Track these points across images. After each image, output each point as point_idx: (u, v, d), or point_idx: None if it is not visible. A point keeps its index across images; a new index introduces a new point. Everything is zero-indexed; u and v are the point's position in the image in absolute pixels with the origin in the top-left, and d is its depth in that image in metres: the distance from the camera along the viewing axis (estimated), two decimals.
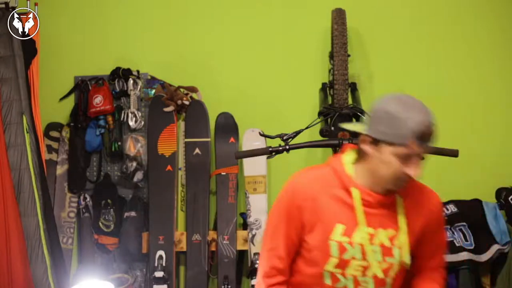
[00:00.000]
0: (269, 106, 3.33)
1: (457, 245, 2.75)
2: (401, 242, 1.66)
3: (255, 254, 3.03)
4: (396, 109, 1.58)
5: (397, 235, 1.66)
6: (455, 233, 2.80)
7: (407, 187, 1.64)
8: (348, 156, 1.70)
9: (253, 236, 3.08)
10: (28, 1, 2.99)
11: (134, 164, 3.26)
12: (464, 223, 2.83)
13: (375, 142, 1.59)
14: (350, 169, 1.67)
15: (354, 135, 2.60)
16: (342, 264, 1.66)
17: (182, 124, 3.29)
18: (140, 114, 3.34)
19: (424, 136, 1.54)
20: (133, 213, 3.24)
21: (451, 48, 3.30)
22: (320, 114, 2.78)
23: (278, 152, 2.25)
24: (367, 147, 1.61)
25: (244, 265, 3.21)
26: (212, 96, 3.33)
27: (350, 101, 2.99)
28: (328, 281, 1.68)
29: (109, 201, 3.31)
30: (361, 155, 1.65)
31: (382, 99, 1.66)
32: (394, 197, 1.65)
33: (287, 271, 1.74)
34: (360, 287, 1.68)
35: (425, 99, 3.45)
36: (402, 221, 1.65)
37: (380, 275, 1.66)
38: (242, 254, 3.20)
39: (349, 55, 2.91)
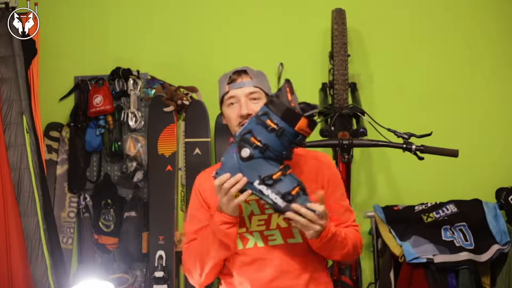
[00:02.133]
0: None
1: (457, 245, 2.75)
2: None
3: None
4: (220, 78, 1.92)
5: None
6: (455, 233, 2.80)
7: (298, 155, 1.81)
8: None
9: None
10: (28, 1, 2.99)
11: (134, 164, 3.26)
12: (464, 223, 2.83)
13: (221, 109, 1.90)
14: None
15: (354, 134, 2.61)
16: (244, 223, 1.78)
17: (182, 124, 3.29)
18: (140, 114, 3.34)
19: (234, 79, 1.86)
20: (133, 213, 3.24)
21: (451, 48, 3.31)
22: (320, 114, 2.78)
23: None
24: (224, 121, 1.91)
25: None
26: (212, 96, 3.29)
27: (350, 101, 2.99)
28: (240, 246, 1.79)
29: (109, 201, 3.32)
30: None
31: None
32: None
33: None
34: (270, 241, 1.78)
35: (425, 99, 3.49)
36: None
37: (283, 224, 1.76)
38: None
39: (349, 55, 2.91)
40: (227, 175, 1.62)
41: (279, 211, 1.61)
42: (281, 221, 1.77)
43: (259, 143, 1.61)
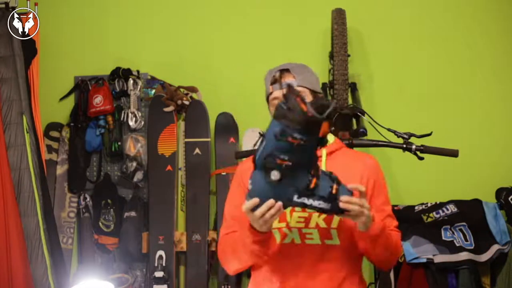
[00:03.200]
0: None
1: (457, 245, 2.75)
2: None
3: None
4: (266, 75, 1.92)
5: None
6: (455, 233, 2.80)
7: (342, 152, 1.86)
8: None
9: None
10: (28, 1, 2.99)
11: (134, 164, 3.26)
12: (464, 223, 2.83)
13: (269, 109, 1.89)
14: None
15: (354, 134, 2.61)
16: (284, 217, 1.76)
17: (182, 124, 3.29)
18: (140, 114, 3.34)
19: (277, 79, 1.85)
20: (133, 213, 3.24)
21: (451, 48, 3.30)
22: None
23: None
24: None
25: None
26: (212, 96, 3.33)
27: (350, 101, 2.99)
28: (278, 239, 1.77)
29: (109, 201, 3.32)
30: None
31: None
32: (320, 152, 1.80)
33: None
34: (307, 239, 1.76)
35: (425, 99, 3.49)
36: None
37: (322, 224, 1.74)
38: None
39: (349, 55, 2.91)
40: (255, 200, 1.56)
41: (328, 212, 1.59)
42: (321, 221, 1.75)
43: (288, 162, 1.52)
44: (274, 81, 1.85)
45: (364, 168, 1.83)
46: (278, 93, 1.83)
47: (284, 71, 1.85)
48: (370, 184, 1.80)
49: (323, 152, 1.80)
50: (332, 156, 1.84)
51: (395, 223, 1.85)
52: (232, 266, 1.82)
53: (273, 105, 1.85)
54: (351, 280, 1.80)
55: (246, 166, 1.90)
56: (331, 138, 1.89)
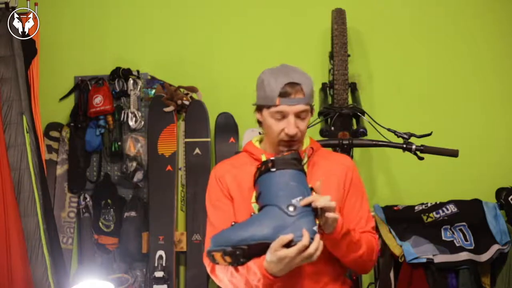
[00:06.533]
0: None
1: (457, 245, 2.75)
2: None
3: None
4: (266, 75, 1.78)
5: None
6: (455, 233, 2.80)
7: (319, 154, 1.83)
8: (257, 138, 1.91)
9: None
10: (28, 1, 2.98)
11: (134, 164, 3.26)
12: (464, 223, 2.83)
13: (259, 109, 1.79)
14: (258, 144, 1.88)
15: (354, 134, 2.61)
16: None
17: (182, 124, 3.29)
18: (140, 114, 3.34)
19: (288, 93, 1.72)
20: (133, 213, 3.24)
21: (451, 48, 3.31)
22: (320, 114, 2.79)
23: None
24: (257, 115, 1.81)
25: None
26: (212, 96, 3.33)
27: (350, 101, 2.99)
28: None
29: (109, 201, 3.32)
30: (263, 128, 1.83)
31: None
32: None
33: None
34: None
35: (425, 99, 3.49)
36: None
37: None
38: None
39: (349, 55, 2.91)
40: (290, 236, 1.51)
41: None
42: None
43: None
44: (283, 94, 1.72)
45: (343, 168, 1.85)
46: (284, 108, 1.72)
47: (295, 85, 1.74)
48: (347, 183, 1.82)
49: (305, 158, 1.75)
50: (313, 161, 1.81)
51: (371, 224, 1.84)
52: (223, 285, 1.77)
53: (273, 116, 1.75)
54: (334, 280, 1.80)
55: (222, 172, 1.86)
56: (306, 140, 1.87)
